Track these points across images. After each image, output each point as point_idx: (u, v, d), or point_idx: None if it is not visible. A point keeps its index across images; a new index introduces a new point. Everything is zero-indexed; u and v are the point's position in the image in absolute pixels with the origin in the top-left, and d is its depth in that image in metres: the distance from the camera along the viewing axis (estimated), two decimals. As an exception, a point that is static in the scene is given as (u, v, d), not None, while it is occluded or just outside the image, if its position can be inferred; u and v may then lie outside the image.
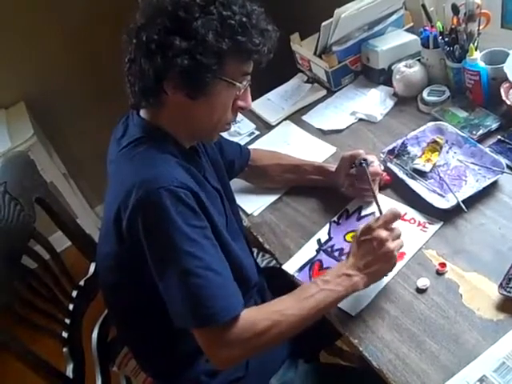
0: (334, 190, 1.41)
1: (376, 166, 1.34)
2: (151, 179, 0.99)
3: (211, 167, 1.25)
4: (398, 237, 1.11)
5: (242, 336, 0.99)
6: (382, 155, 1.44)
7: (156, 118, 1.10)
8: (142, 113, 1.12)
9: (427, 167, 1.37)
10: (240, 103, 1.10)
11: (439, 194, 1.31)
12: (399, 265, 1.18)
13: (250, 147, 1.54)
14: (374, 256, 1.08)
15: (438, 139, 1.42)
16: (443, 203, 1.27)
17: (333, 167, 1.41)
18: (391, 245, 1.07)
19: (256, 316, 1.03)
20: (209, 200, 1.07)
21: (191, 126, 1.11)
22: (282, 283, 1.27)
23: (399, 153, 1.45)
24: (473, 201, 1.26)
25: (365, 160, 1.31)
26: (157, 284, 1.02)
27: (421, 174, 1.38)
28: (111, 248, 1.09)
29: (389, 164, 1.42)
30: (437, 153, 1.40)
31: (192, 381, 1.18)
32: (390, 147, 1.46)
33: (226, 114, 1.09)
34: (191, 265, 0.97)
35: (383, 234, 1.08)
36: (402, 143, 1.46)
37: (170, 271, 0.98)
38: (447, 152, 1.41)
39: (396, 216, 1.11)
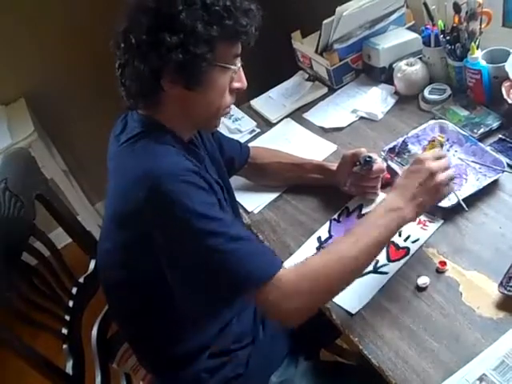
0: (334, 188, 1.41)
1: (380, 162, 1.34)
2: (155, 169, 0.98)
3: (210, 163, 1.25)
4: (447, 168, 1.13)
5: (300, 284, 0.99)
6: (382, 153, 1.44)
7: (155, 114, 1.10)
8: (141, 110, 1.12)
9: (428, 165, 1.37)
10: (236, 85, 1.11)
11: (440, 193, 1.31)
12: (400, 263, 1.19)
13: (250, 145, 1.55)
14: (422, 187, 1.10)
15: (439, 137, 1.41)
16: (444, 201, 1.26)
17: (334, 166, 1.41)
18: (440, 177, 1.10)
19: (312, 263, 1.04)
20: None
21: (193, 117, 1.11)
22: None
23: (400, 151, 1.45)
24: (473, 199, 1.26)
25: (370, 157, 1.31)
26: (160, 281, 1.02)
27: (421, 172, 1.37)
28: (114, 245, 1.09)
29: (389, 162, 1.42)
30: (438, 151, 1.40)
31: (192, 378, 1.18)
32: (391, 145, 1.46)
33: (225, 97, 1.10)
34: (218, 242, 0.96)
35: (433, 165, 1.11)
36: (403, 141, 1.46)
37: (198, 256, 0.97)
38: (448, 150, 1.41)
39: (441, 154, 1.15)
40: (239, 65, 1.09)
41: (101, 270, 1.23)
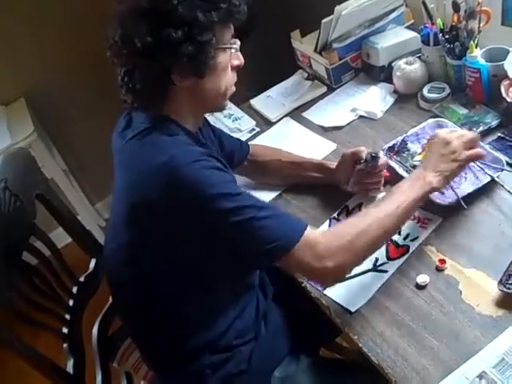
0: (334, 186, 1.41)
1: (383, 157, 1.35)
2: (169, 160, 0.99)
3: None
4: (463, 136, 1.18)
5: (331, 244, 1.02)
6: (382, 152, 1.44)
7: (162, 110, 1.10)
8: (149, 110, 1.12)
9: (427, 164, 1.37)
10: (235, 62, 1.13)
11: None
12: (399, 261, 1.19)
13: (250, 143, 1.55)
14: (440, 156, 1.16)
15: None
16: (443, 199, 1.27)
17: (333, 164, 1.41)
18: (455, 143, 1.16)
19: (340, 225, 1.16)
20: None
21: (204, 102, 1.13)
22: (283, 277, 1.27)
23: (399, 149, 1.45)
24: (472, 197, 1.26)
25: (375, 153, 1.32)
26: (162, 280, 1.03)
27: (421, 170, 1.38)
28: (126, 239, 1.09)
29: (389, 161, 1.42)
30: (437, 150, 1.40)
31: (196, 374, 1.18)
32: (390, 144, 1.46)
33: (229, 76, 1.13)
34: (247, 215, 0.98)
35: (446, 135, 1.18)
36: (402, 140, 1.46)
37: (232, 231, 0.99)
38: (447, 149, 1.41)
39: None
40: (238, 43, 1.12)
41: (109, 268, 1.22)
